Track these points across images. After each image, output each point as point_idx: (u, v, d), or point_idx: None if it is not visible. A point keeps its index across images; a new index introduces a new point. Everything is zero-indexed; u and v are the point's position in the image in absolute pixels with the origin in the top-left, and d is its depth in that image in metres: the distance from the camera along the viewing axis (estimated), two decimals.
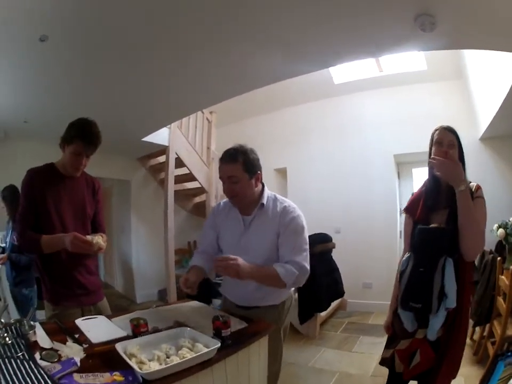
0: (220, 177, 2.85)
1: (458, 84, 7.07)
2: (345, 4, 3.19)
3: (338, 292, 6.72)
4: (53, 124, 5.56)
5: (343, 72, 7.90)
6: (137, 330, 2.36)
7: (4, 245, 5.33)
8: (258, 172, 2.85)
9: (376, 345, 5.29)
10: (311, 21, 3.48)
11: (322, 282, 6.19)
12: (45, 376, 1.73)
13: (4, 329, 2.17)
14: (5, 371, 1.71)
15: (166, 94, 5.41)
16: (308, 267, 2.73)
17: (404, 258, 2.74)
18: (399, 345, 2.76)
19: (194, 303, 3.35)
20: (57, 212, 3.02)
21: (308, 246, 2.82)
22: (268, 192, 2.96)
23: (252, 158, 2.79)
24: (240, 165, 2.72)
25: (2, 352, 1.88)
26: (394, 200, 7.77)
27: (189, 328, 2.42)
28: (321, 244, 6.49)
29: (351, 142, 8.20)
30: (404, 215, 2.98)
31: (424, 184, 2.81)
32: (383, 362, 2.93)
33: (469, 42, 3.77)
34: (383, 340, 3.22)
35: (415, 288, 2.56)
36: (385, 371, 3.00)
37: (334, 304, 6.94)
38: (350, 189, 8.02)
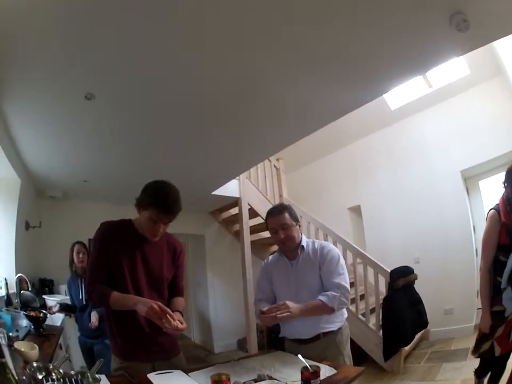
0: (271, 229, 3.23)
1: (501, 80, 6.67)
2: (388, 27, 3.26)
3: (423, 323, 6.37)
4: (114, 182, 5.59)
5: (397, 97, 7.76)
6: None
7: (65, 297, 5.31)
8: (299, 221, 3.31)
9: (458, 370, 5.07)
10: (361, 55, 3.58)
11: (406, 316, 5.89)
12: None
13: (62, 380, 1.94)
14: None
15: (230, 147, 5.36)
16: (347, 285, 3.01)
17: None
18: (496, 334, 3.32)
19: (279, 353, 3.13)
20: (131, 273, 2.79)
21: (344, 271, 3.12)
22: (305, 239, 3.34)
23: (292, 209, 3.29)
24: (287, 214, 3.19)
25: None
26: (467, 218, 7.38)
27: (276, 381, 2.27)
28: (403, 278, 6.11)
29: (418, 166, 7.89)
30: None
31: (503, 201, 3.42)
32: (482, 354, 3.50)
33: (506, 29, 3.50)
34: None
35: None
36: None
37: (417, 336, 6.57)
38: (423, 216, 7.68)
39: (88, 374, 2.16)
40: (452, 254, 7.19)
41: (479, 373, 3.68)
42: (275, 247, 8.86)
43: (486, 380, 3.65)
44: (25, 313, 3.90)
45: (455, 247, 7.17)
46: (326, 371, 2.46)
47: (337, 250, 3.23)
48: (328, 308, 2.89)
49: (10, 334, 3.10)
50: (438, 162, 7.56)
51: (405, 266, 6.45)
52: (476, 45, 3.65)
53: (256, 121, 4.62)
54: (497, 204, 3.49)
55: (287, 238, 3.14)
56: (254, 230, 8.17)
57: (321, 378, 2.22)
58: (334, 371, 2.50)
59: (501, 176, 3.52)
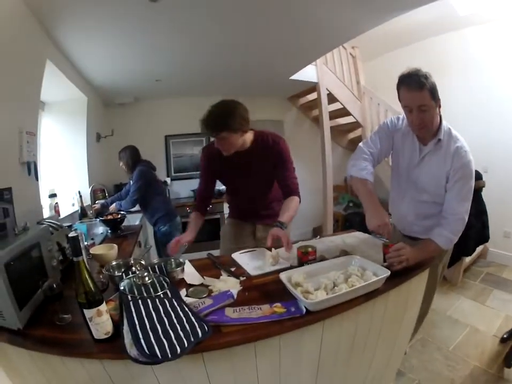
0: (405, 106, 2.51)
1: None
2: None
3: (485, 236, 5.86)
4: (187, 76, 5.50)
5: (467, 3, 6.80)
6: (305, 258, 2.24)
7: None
8: (440, 99, 2.48)
9: (505, 303, 4.94)
10: None
11: (472, 224, 5.39)
12: (189, 313, 1.54)
13: (143, 269, 1.97)
14: (133, 313, 1.51)
15: (306, 30, 4.86)
16: (467, 219, 2.55)
17: None
18: None
19: (359, 234, 3.11)
20: (233, 179, 3.18)
21: (471, 195, 2.60)
22: (444, 127, 2.64)
23: (434, 83, 2.43)
24: (427, 91, 2.36)
25: (136, 293, 1.68)
26: None
27: (358, 256, 2.27)
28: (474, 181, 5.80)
29: (488, 77, 7.11)
30: None
31: None
32: None
33: None
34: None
35: None
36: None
37: (477, 251, 6.25)
38: (494, 127, 6.96)
39: (172, 260, 2.24)
40: None
41: None
42: (354, 134, 8.83)
43: None
44: (102, 218, 4.06)
45: None
46: None
47: (472, 164, 2.63)
48: (443, 249, 2.52)
49: (86, 243, 3.13)
50: (509, 76, 6.80)
51: (475, 170, 6.15)
52: None
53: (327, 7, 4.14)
54: None
55: (423, 123, 2.51)
56: (332, 115, 7.88)
57: None
58: None
59: None
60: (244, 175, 3.05)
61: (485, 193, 5.75)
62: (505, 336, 3.79)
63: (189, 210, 6.38)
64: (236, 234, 3.26)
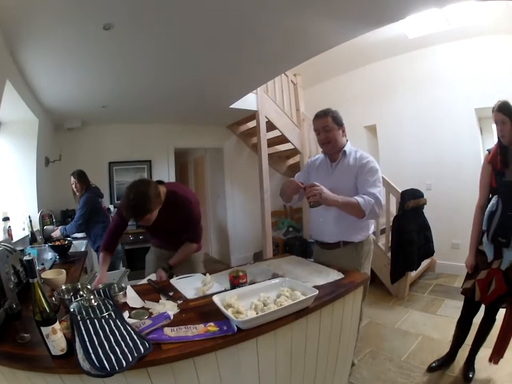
0: (315, 130, 3.40)
1: None
2: None
3: (429, 250, 6.33)
4: (132, 104, 5.58)
5: (415, 27, 7.22)
6: (236, 281, 2.42)
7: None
8: (343, 126, 3.37)
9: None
10: None
11: (414, 239, 5.89)
12: (132, 332, 1.70)
13: (89, 293, 2.11)
14: (83, 331, 1.66)
15: (246, 61, 5.05)
16: (382, 200, 3.12)
17: (493, 201, 3.23)
18: (479, 276, 3.34)
19: (292, 257, 3.43)
20: (150, 231, 3.69)
21: (381, 186, 3.18)
22: (350, 146, 3.42)
23: (337, 114, 3.36)
24: (330, 117, 3.29)
25: (85, 314, 1.83)
26: (479, 157, 6.80)
27: (287, 278, 2.46)
28: (413, 200, 6.06)
29: (433, 97, 7.57)
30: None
31: (496, 145, 3.32)
32: (465, 291, 3.57)
33: None
34: None
35: (503, 227, 3.09)
36: None
37: (423, 264, 6.67)
38: (438, 146, 7.44)
39: (115, 285, 2.41)
40: (463, 188, 6.92)
41: (462, 321, 3.82)
42: (293, 160, 9.14)
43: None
44: (50, 244, 4.17)
45: (467, 182, 6.69)
46: (334, 275, 2.76)
47: (377, 164, 3.25)
48: (360, 210, 2.96)
49: (37, 268, 3.22)
50: (453, 96, 7.29)
51: (415, 189, 6.42)
52: None
53: (270, 36, 4.31)
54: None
55: (327, 139, 3.29)
56: (272, 142, 8.12)
57: (329, 281, 2.61)
58: (342, 275, 2.75)
59: None
60: (157, 226, 3.29)
61: (431, 209, 6.28)
62: (433, 365, 3.77)
63: (131, 238, 6.65)
64: (158, 260, 3.62)
